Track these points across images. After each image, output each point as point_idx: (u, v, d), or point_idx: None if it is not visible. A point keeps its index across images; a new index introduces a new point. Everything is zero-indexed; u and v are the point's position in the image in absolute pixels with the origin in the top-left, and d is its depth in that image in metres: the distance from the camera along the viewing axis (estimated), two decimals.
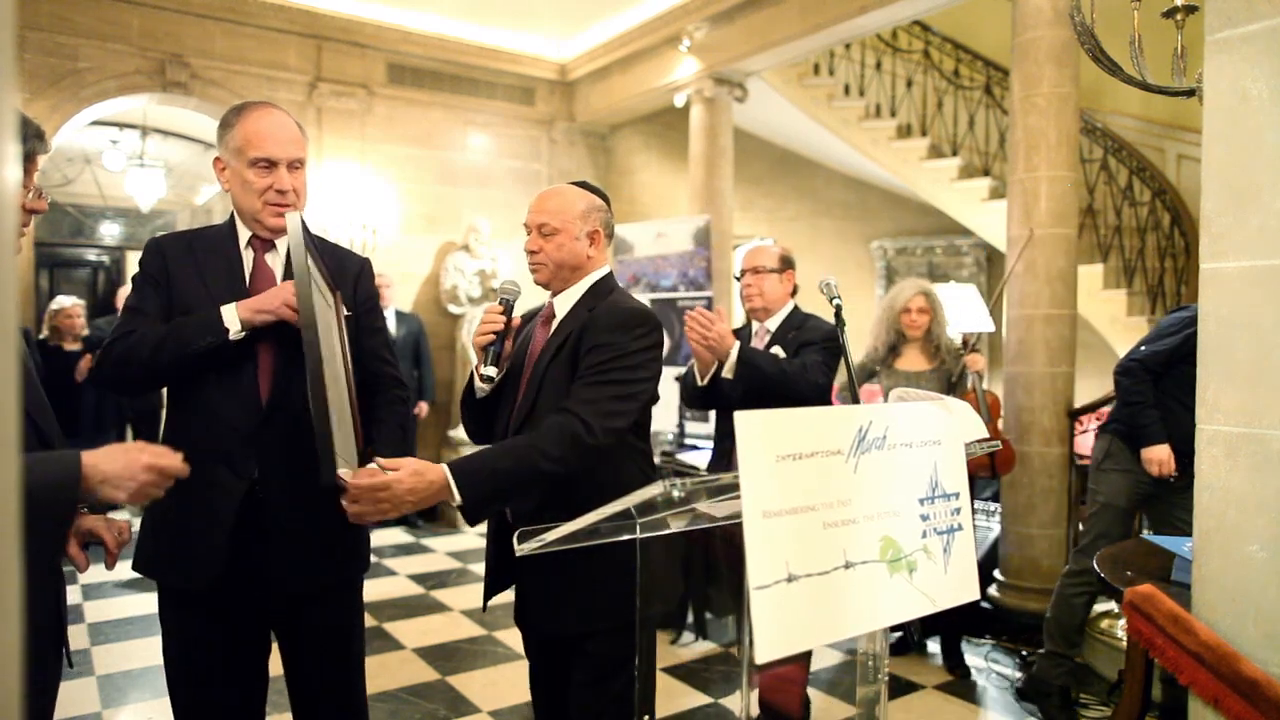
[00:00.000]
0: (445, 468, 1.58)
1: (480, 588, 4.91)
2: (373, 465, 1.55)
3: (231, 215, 1.86)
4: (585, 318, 1.81)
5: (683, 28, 6.16)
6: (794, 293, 2.92)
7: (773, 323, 2.87)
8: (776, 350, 2.76)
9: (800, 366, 2.64)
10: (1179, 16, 1.81)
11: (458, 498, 1.56)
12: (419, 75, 6.93)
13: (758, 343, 2.88)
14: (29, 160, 1.45)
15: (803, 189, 8.32)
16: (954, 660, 3.61)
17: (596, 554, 1.60)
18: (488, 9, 6.54)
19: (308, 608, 1.82)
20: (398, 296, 6.45)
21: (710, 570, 3.79)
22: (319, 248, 1.86)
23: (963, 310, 4.16)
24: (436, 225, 7.05)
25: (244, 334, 1.69)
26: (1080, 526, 3.20)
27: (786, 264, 2.89)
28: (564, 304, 1.90)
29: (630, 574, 1.35)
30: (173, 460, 1.40)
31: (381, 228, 6.70)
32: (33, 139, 1.45)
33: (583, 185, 1.95)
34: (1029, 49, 4.03)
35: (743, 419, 1.07)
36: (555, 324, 1.89)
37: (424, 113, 6.99)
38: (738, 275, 2.95)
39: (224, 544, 1.70)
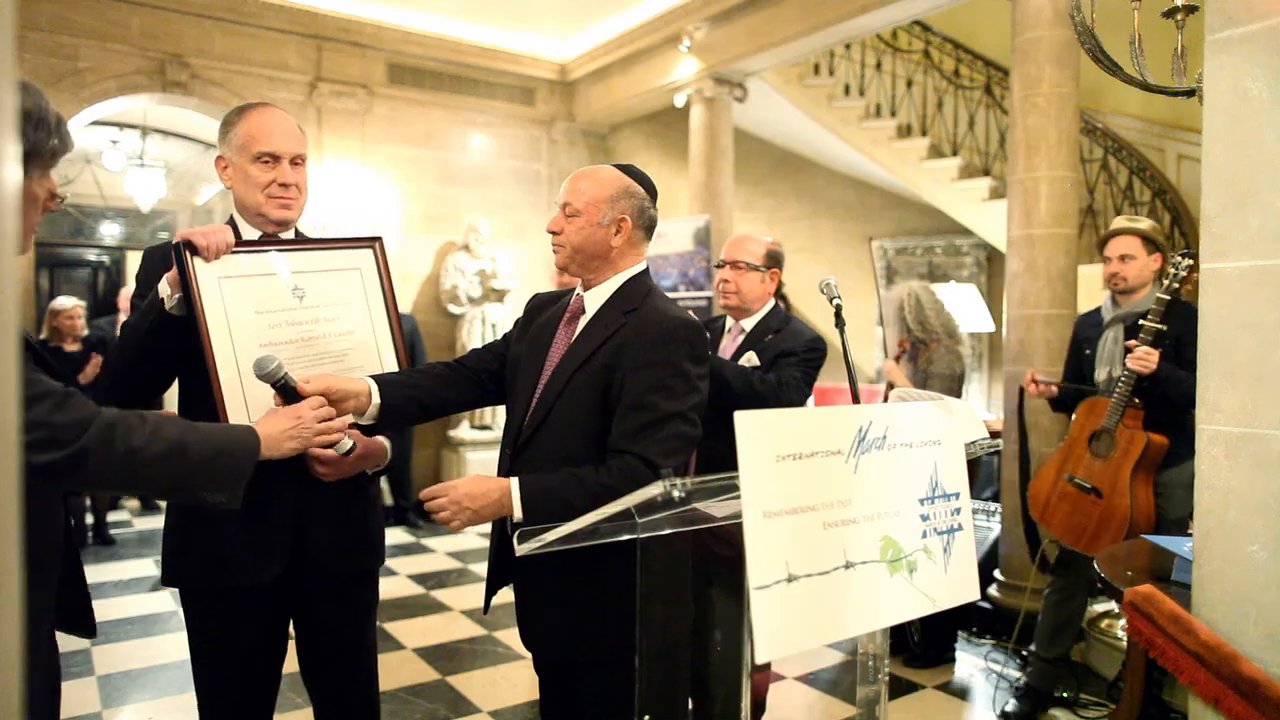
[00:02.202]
0: (512, 480, 1.57)
1: (480, 588, 4.89)
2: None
3: (231, 218, 1.87)
4: (620, 324, 1.67)
5: (683, 28, 6.15)
6: (778, 291, 2.64)
7: (749, 322, 2.59)
8: (750, 357, 2.51)
9: (774, 384, 2.37)
10: (1179, 16, 1.81)
11: (518, 511, 1.55)
12: (419, 75, 6.93)
13: (730, 342, 2.61)
14: (52, 158, 1.27)
15: (803, 189, 8.31)
16: (941, 649, 3.63)
17: (594, 579, 1.59)
18: (488, 9, 6.54)
19: (331, 597, 1.84)
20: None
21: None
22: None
23: (962, 310, 4.17)
24: (437, 225, 7.05)
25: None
26: None
27: (773, 261, 2.56)
28: (594, 301, 1.75)
29: (631, 598, 1.29)
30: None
31: (382, 228, 6.70)
32: (51, 134, 1.24)
33: (626, 169, 1.79)
34: (1029, 49, 4.02)
35: (742, 419, 1.06)
36: (583, 323, 1.74)
37: (424, 113, 6.99)
38: (718, 264, 2.63)
39: (291, 534, 1.74)
